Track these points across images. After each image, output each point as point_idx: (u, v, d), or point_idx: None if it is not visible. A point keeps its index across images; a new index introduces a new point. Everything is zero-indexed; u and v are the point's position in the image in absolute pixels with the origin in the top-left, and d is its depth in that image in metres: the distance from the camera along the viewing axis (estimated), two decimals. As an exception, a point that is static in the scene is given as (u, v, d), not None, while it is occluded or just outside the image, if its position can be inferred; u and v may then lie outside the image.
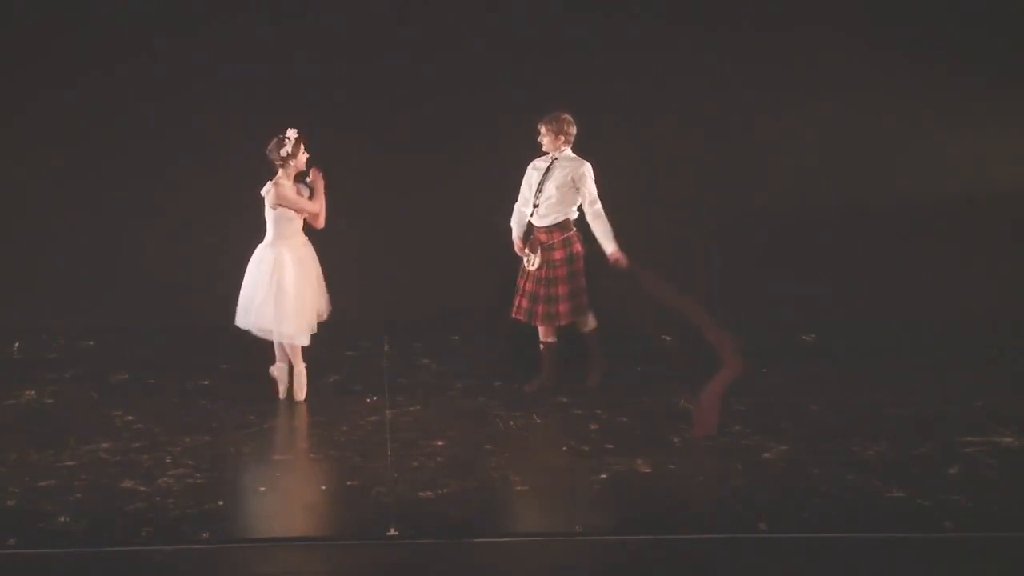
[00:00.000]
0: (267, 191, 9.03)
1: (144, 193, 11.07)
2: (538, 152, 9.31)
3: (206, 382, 9.59)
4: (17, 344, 10.59)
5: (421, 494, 7.15)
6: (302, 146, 9.10)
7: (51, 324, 11.02)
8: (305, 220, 9.20)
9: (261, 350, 10.06)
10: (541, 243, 9.27)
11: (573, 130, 9.25)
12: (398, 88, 11.13)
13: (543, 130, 9.25)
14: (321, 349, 9.87)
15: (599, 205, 9.21)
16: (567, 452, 7.96)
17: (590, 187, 9.19)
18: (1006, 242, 11.35)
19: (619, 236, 9.18)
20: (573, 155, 9.27)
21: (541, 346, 9.48)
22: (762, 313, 11.09)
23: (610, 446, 8.04)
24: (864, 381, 9.61)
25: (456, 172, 11.13)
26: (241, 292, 9.18)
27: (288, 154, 9.04)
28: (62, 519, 6.73)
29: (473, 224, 11.08)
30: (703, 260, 11.19)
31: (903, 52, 11.12)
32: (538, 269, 9.26)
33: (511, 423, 8.72)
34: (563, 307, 9.24)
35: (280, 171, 9.08)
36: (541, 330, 9.41)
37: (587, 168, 9.21)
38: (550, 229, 9.25)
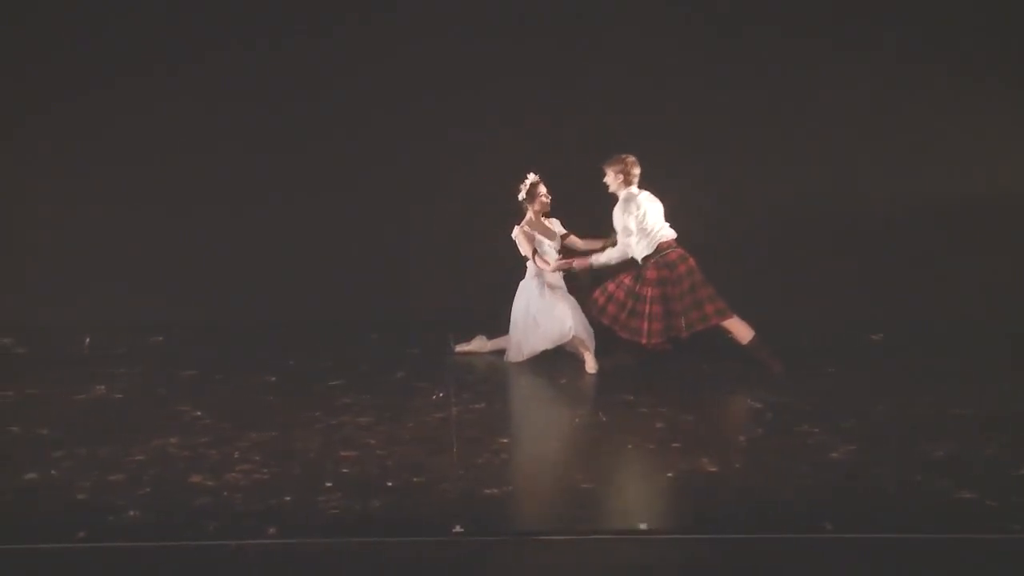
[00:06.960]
0: (514, 233, 10.07)
1: (217, 193, 11.16)
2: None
3: (273, 378, 9.65)
4: (88, 340, 10.69)
5: (486, 491, 7.15)
6: (538, 188, 10.02)
7: (121, 320, 11.12)
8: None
9: (328, 347, 10.14)
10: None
11: (635, 171, 9.72)
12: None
13: (606, 172, 9.79)
14: (388, 346, 9.91)
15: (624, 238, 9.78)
16: (632, 450, 7.94)
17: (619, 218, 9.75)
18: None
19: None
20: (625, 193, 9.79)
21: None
22: (830, 312, 11.02)
23: (676, 445, 8.01)
24: (931, 380, 9.53)
25: (512, 169, 11.14)
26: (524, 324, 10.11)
27: (523, 199, 10.08)
28: (131, 513, 6.79)
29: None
30: (771, 259, 11.13)
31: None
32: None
33: (576, 420, 8.70)
34: (647, 325, 9.73)
35: (527, 213, 10.11)
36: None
37: (620, 203, 9.72)
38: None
